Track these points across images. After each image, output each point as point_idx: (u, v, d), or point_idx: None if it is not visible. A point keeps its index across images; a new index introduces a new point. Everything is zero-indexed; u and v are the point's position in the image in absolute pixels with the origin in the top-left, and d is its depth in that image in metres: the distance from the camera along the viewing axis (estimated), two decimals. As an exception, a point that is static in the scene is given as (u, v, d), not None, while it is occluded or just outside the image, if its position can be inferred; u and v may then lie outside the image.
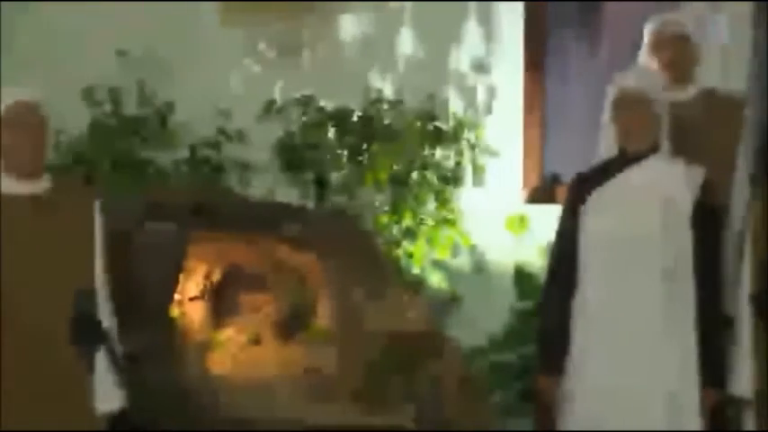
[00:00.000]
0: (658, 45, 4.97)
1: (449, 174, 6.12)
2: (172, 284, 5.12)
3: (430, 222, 6.07)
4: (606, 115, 4.58)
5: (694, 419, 4.41)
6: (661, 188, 4.47)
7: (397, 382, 5.01)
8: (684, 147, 4.60)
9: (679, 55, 4.95)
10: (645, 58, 5.00)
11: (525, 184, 6.28)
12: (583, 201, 4.53)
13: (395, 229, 6.02)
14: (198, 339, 5.39)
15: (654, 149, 4.52)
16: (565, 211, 4.61)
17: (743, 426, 4.49)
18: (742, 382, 4.40)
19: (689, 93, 4.93)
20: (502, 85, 6.24)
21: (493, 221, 6.15)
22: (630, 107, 4.49)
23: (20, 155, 4.13)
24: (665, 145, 4.55)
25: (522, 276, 6.05)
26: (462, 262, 6.20)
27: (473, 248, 6.19)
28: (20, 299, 4.03)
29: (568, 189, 4.65)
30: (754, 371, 4.36)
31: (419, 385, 5.02)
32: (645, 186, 4.48)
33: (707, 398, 4.42)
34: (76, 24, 6.21)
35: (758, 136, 5.01)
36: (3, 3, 6.23)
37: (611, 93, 4.56)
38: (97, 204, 4.23)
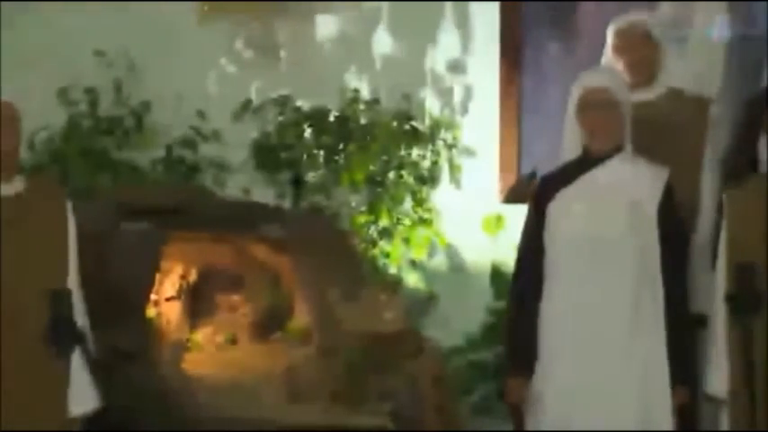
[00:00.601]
0: (622, 46, 4.98)
1: (425, 173, 6.12)
2: (148, 285, 5.12)
3: (406, 222, 6.08)
4: (570, 115, 4.58)
5: (666, 418, 4.42)
6: (625, 189, 4.48)
7: (374, 381, 5.01)
8: (650, 147, 4.61)
9: (643, 55, 4.96)
10: (609, 58, 5.02)
11: (502, 184, 6.28)
12: (548, 201, 4.53)
13: (371, 229, 6.02)
14: (174, 339, 5.39)
15: (618, 150, 4.53)
16: (530, 212, 4.62)
17: (719, 425, 4.51)
18: (716, 381, 4.42)
19: (654, 93, 4.95)
20: (478, 84, 6.25)
21: (469, 221, 6.16)
22: (594, 107, 4.49)
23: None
24: (629, 145, 4.56)
25: (498, 276, 6.05)
26: (439, 262, 6.20)
27: (450, 248, 6.20)
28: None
29: (534, 190, 4.66)
30: (729, 371, 4.38)
31: (396, 385, 5.02)
32: (609, 187, 4.49)
33: (676, 397, 4.44)
34: (54, 24, 6.19)
35: (729, 135, 5.05)
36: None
37: (574, 93, 4.57)
38: (70, 205, 4.22)
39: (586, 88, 4.52)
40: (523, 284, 4.56)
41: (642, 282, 4.44)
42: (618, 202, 4.47)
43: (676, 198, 4.54)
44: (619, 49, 4.99)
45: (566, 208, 4.50)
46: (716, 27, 4.97)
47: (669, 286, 4.45)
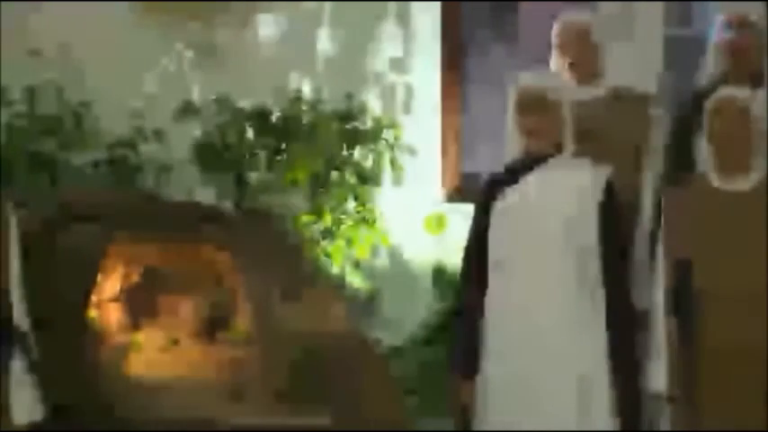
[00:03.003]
0: (564, 45, 5.01)
1: (367, 173, 6.12)
2: (89, 286, 5.08)
3: (349, 222, 6.07)
4: (510, 116, 4.60)
5: (606, 418, 4.45)
6: (565, 189, 4.50)
7: (316, 381, 5.00)
8: (591, 146, 4.63)
9: (582, 55, 4.99)
10: (554, 58, 5.04)
11: (444, 184, 6.30)
12: (492, 201, 4.55)
13: (314, 229, 6.01)
14: (116, 341, 5.35)
15: (558, 150, 4.55)
16: (476, 212, 4.63)
17: (660, 421, 4.54)
18: (657, 378, 4.45)
19: (594, 92, 4.98)
20: (420, 84, 6.26)
21: (411, 221, 6.17)
22: (528, 109, 4.51)
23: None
24: (570, 145, 4.58)
25: (441, 276, 6.07)
26: (382, 262, 6.20)
27: (392, 248, 6.20)
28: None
29: (481, 189, 4.67)
30: (668, 367, 4.41)
31: (338, 385, 5.01)
32: (549, 188, 4.51)
33: (619, 399, 4.46)
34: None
35: (670, 136, 5.10)
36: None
37: (511, 94, 4.58)
38: (10, 205, 4.18)
39: (521, 90, 4.53)
40: (470, 284, 4.58)
41: (582, 281, 4.46)
42: (557, 203, 4.49)
43: (618, 197, 4.57)
44: (561, 48, 5.02)
45: (508, 208, 4.52)
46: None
47: (610, 285, 4.47)
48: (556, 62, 5.02)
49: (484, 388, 4.50)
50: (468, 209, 5.76)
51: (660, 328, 4.44)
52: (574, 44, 4.98)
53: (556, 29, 5.04)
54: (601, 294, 4.47)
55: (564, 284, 4.45)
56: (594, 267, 4.47)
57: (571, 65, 4.96)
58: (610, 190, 4.51)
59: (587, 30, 5.01)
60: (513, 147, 4.62)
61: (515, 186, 4.53)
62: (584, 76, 4.96)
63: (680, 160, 4.84)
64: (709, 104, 4.47)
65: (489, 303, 4.52)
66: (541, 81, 4.55)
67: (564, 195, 4.49)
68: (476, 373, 4.51)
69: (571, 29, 5.00)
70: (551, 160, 4.53)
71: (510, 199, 4.52)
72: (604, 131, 4.82)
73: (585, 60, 4.99)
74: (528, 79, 4.56)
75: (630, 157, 4.91)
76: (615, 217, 4.52)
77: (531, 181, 4.52)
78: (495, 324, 4.50)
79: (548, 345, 4.43)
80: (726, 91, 4.50)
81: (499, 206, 4.53)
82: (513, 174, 4.56)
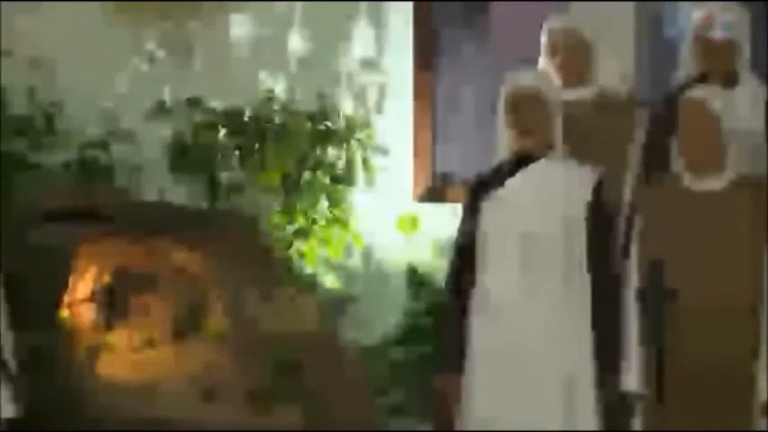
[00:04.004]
0: (552, 47, 5.02)
1: (340, 173, 6.12)
2: (61, 286, 5.06)
3: (322, 222, 6.07)
4: (500, 117, 4.61)
5: (590, 419, 4.46)
6: (555, 189, 4.51)
7: (289, 382, 5.00)
8: (579, 147, 4.65)
9: (571, 56, 5.01)
10: (543, 60, 5.06)
11: (416, 184, 6.31)
12: (482, 200, 4.56)
13: (287, 230, 6.00)
14: (89, 341, 5.33)
15: (550, 149, 4.57)
16: (465, 212, 4.64)
17: (634, 420, 4.56)
18: (630, 377, 4.47)
19: (582, 93, 4.99)
20: (392, 84, 6.27)
21: (385, 221, 6.17)
22: (523, 108, 4.52)
23: None
24: (560, 146, 4.60)
25: (414, 276, 6.07)
26: (355, 262, 6.20)
27: (366, 248, 6.20)
28: None
29: (468, 190, 4.68)
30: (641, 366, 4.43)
31: (311, 386, 5.01)
32: (539, 188, 4.52)
33: (604, 399, 4.47)
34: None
35: (645, 135, 5.11)
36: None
37: (503, 93, 4.59)
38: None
39: (513, 89, 4.54)
40: (457, 283, 4.59)
41: (570, 282, 4.47)
42: (547, 203, 4.49)
43: (608, 198, 4.58)
44: (549, 50, 5.04)
45: (497, 208, 4.53)
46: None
47: (597, 286, 4.49)
48: (545, 64, 5.03)
49: (469, 387, 4.51)
50: (441, 209, 5.80)
51: (632, 328, 4.45)
52: (563, 46, 5.00)
53: (546, 30, 5.06)
54: (587, 295, 4.48)
55: (551, 285, 4.46)
56: (582, 269, 4.48)
57: (560, 66, 4.97)
58: (599, 191, 4.53)
59: (579, 32, 5.03)
60: (503, 146, 4.63)
61: (505, 186, 4.54)
62: (573, 78, 4.97)
63: (655, 160, 4.86)
64: (679, 105, 4.49)
65: (476, 303, 4.53)
66: (533, 81, 4.57)
67: (554, 196, 4.50)
68: (462, 372, 4.52)
69: (562, 31, 5.02)
70: (542, 160, 4.54)
71: (499, 199, 4.53)
72: (592, 132, 4.83)
73: (574, 62, 5.00)
74: (518, 79, 4.57)
75: (616, 158, 4.93)
76: (604, 218, 4.54)
77: (521, 181, 4.53)
78: (482, 324, 4.51)
79: (533, 345, 4.44)
80: (696, 91, 4.52)
81: (488, 206, 4.53)
82: (502, 173, 4.57)
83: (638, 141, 5.03)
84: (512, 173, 4.55)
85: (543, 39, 5.04)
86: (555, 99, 4.57)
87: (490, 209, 4.53)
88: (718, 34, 4.91)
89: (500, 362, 4.45)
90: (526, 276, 4.46)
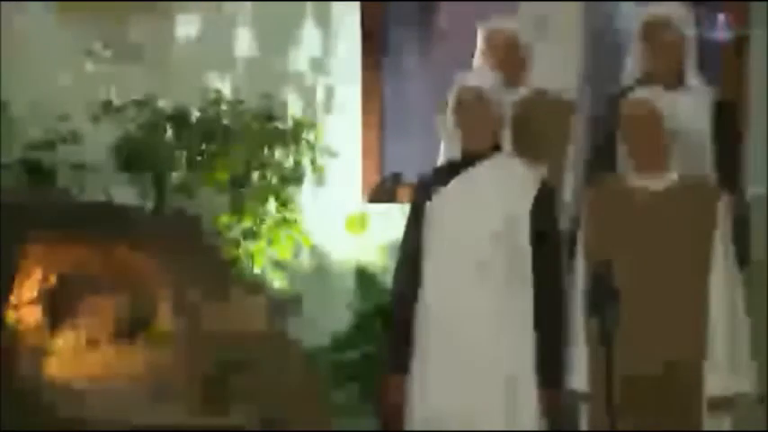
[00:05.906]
0: (489, 48, 5.04)
1: (288, 174, 6.11)
2: (5, 288, 5.03)
3: (270, 223, 6.06)
4: (448, 116, 4.63)
5: (532, 420, 4.47)
6: (499, 189, 4.54)
7: (237, 382, 4.99)
8: (517, 147, 4.67)
9: (508, 57, 5.03)
10: (478, 60, 5.07)
11: (365, 184, 6.31)
12: (426, 201, 4.57)
13: (235, 230, 5.99)
14: (34, 343, 5.30)
15: (496, 150, 4.58)
16: (410, 212, 4.65)
17: (579, 420, 4.58)
18: (577, 377, 4.49)
19: (520, 94, 5.01)
20: (340, 85, 6.26)
21: (333, 221, 6.17)
22: (466, 107, 4.55)
23: None
24: (508, 146, 4.61)
25: (362, 276, 6.07)
26: (303, 262, 6.20)
27: (314, 248, 6.20)
28: None
29: (413, 190, 4.69)
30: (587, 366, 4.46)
31: (259, 385, 5.01)
32: (483, 187, 4.54)
33: (547, 399, 4.49)
34: None
35: (589, 137, 5.15)
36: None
37: (451, 93, 4.61)
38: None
39: (460, 88, 4.57)
40: (403, 283, 4.60)
41: (512, 283, 4.49)
42: (491, 203, 4.52)
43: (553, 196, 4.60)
44: (485, 53, 5.05)
45: (441, 208, 4.55)
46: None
47: (540, 287, 4.51)
48: (481, 64, 5.04)
49: (413, 387, 4.52)
50: (389, 209, 5.81)
51: (579, 328, 4.48)
52: (500, 47, 5.02)
53: (481, 33, 5.07)
54: (530, 294, 4.49)
55: (494, 284, 4.47)
56: (525, 270, 4.50)
57: (497, 67, 4.98)
58: (544, 190, 4.55)
59: (514, 34, 5.05)
60: (449, 146, 4.65)
61: (449, 186, 4.55)
62: (510, 79, 4.99)
63: (602, 161, 4.89)
64: (622, 106, 4.52)
65: (422, 303, 4.54)
66: (479, 80, 4.59)
67: (496, 196, 4.52)
68: (407, 371, 4.53)
69: (497, 33, 5.04)
70: (487, 160, 4.55)
71: (443, 198, 4.55)
72: (530, 133, 4.86)
73: (512, 63, 5.03)
74: (467, 79, 4.59)
75: (553, 158, 4.95)
76: (548, 218, 4.56)
77: (465, 181, 4.55)
78: (427, 323, 4.52)
79: (476, 344, 4.46)
80: (639, 92, 4.56)
81: (432, 206, 4.55)
82: (447, 173, 4.59)
83: (578, 142, 5.07)
84: (460, 171, 4.56)
85: (479, 40, 5.06)
86: (502, 99, 4.59)
87: (434, 209, 4.55)
88: (665, 36, 4.94)
89: (444, 362, 4.47)
90: (469, 275, 4.47)
